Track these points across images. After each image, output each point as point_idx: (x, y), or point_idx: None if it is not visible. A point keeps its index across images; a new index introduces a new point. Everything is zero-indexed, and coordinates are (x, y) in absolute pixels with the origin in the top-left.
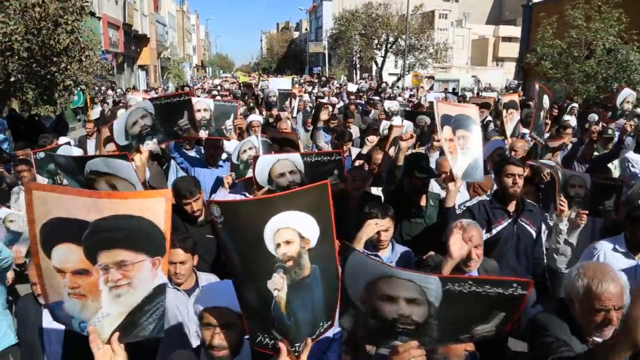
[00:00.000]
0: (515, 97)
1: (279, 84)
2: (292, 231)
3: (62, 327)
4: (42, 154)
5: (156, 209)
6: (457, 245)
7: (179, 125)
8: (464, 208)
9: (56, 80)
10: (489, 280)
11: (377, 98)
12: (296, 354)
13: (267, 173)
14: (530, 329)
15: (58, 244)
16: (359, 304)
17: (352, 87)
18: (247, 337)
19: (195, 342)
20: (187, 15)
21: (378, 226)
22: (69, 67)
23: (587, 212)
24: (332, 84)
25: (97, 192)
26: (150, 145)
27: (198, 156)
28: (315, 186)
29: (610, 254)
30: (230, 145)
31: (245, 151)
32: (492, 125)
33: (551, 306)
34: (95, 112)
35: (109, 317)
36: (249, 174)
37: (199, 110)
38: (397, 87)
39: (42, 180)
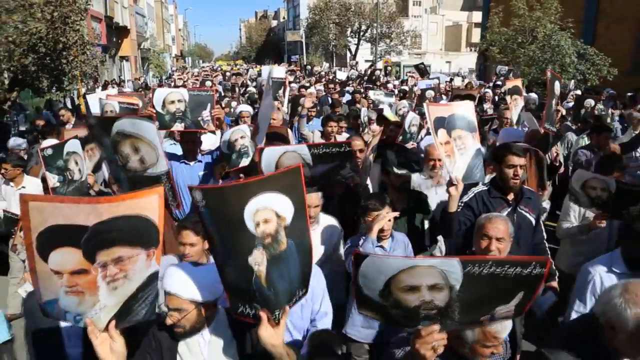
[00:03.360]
0: (519, 83)
1: (272, 72)
2: (269, 211)
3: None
4: (49, 151)
5: (151, 205)
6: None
7: (202, 116)
8: (462, 205)
9: (65, 71)
10: (508, 261)
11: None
12: (276, 320)
13: (273, 166)
14: None
15: (55, 249)
16: (379, 298)
17: (341, 75)
18: (221, 305)
19: None
20: (165, 5)
21: (389, 215)
22: (75, 59)
23: (607, 214)
24: (319, 73)
25: (96, 198)
26: (178, 127)
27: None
28: (290, 169)
29: (607, 279)
30: (208, 140)
31: (237, 140)
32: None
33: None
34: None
35: (105, 308)
36: (243, 163)
37: (172, 102)
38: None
39: (51, 177)
